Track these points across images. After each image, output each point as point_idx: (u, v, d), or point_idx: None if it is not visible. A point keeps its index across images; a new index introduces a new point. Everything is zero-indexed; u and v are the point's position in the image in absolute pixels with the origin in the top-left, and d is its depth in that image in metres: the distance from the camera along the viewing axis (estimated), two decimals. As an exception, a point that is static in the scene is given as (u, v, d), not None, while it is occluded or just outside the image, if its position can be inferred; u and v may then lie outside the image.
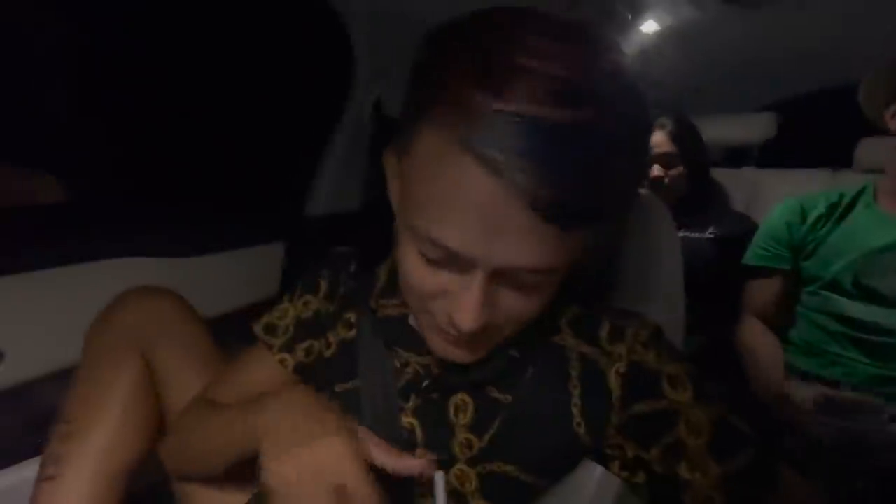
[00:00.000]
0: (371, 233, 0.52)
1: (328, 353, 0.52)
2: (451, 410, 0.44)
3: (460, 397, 0.44)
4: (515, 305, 0.36)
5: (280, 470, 0.34)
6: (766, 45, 1.44)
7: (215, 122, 0.95)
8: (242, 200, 0.99)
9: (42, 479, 0.52)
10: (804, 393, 0.83)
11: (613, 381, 0.42)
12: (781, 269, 0.98)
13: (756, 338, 0.98)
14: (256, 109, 0.99)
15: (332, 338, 0.52)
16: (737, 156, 1.49)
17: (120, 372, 0.55)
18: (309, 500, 0.33)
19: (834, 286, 0.89)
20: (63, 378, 0.57)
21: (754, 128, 1.42)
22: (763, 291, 1.01)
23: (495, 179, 0.29)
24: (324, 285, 0.54)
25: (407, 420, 0.45)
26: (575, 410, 0.42)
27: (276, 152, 1.04)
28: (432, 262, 0.35)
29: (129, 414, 0.55)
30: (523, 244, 0.31)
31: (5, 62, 0.72)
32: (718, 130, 1.47)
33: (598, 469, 0.43)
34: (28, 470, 0.54)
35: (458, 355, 0.40)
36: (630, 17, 1.32)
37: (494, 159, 0.28)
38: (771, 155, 1.43)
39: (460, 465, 0.43)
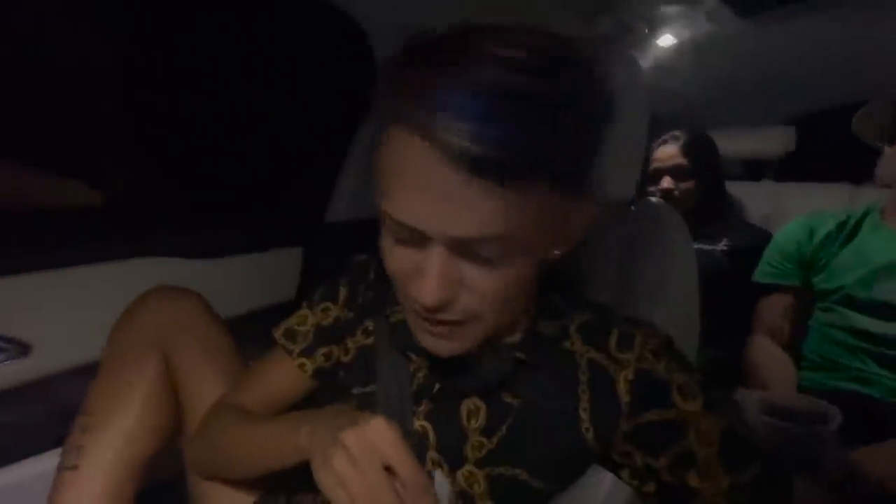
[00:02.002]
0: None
1: (347, 359, 0.53)
2: (464, 415, 0.45)
3: (472, 402, 0.45)
4: (480, 281, 0.36)
5: (332, 462, 0.34)
6: (786, 60, 1.43)
7: (240, 130, 0.98)
8: (264, 205, 1.02)
9: (63, 468, 0.53)
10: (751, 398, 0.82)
11: (622, 388, 0.42)
12: (791, 286, 0.99)
13: (765, 355, 0.97)
14: (281, 118, 1.02)
15: (350, 344, 0.53)
16: (756, 169, 1.48)
17: (140, 368, 0.57)
18: (365, 478, 0.33)
19: (847, 301, 0.89)
20: (86, 372, 0.59)
21: (773, 141, 1.41)
22: (772, 308, 1.01)
23: (428, 145, 0.31)
24: (343, 292, 0.55)
25: (419, 423, 0.46)
26: (584, 415, 0.42)
27: (298, 160, 1.07)
28: (400, 243, 0.36)
29: (147, 409, 0.56)
30: (465, 210, 0.32)
31: (32, 67, 0.76)
32: (737, 144, 1.46)
33: (609, 477, 0.43)
34: (50, 460, 0.55)
35: (443, 347, 0.40)
36: (647, 31, 1.33)
37: (423, 124, 0.30)
38: (790, 169, 1.41)
39: (469, 467, 0.44)
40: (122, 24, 0.85)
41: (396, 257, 0.37)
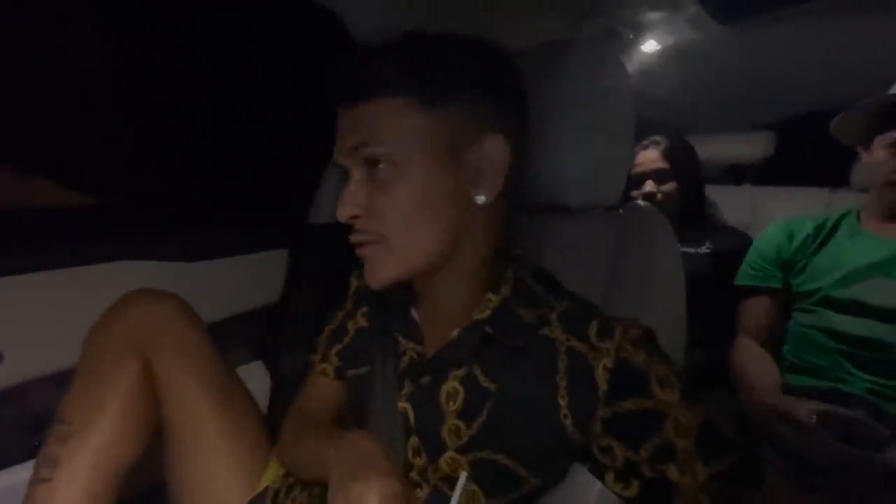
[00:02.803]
0: None
1: (346, 341, 0.58)
2: (443, 397, 0.46)
3: (451, 385, 0.46)
4: (379, 202, 0.44)
5: (335, 498, 0.38)
6: (765, 66, 1.47)
7: (224, 131, 0.97)
8: (247, 207, 1.00)
9: (36, 480, 0.51)
10: (805, 407, 0.83)
11: (600, 376, 0.43)
12: (772, 288, 1.01)
13: (749, 355, 0.99)
14: (265, 120, 1.01)
15: (350, 326, 0.58)
16: (737, 174, 1.51)
17: (119, 374, 0.55)
18: None
19: (825, 302, 0.91)
20: (61, 380, 0.57)
21: (753, 146, 1.45)
22: (755, 310, 1.03)
23: (343, 108, 0.45)
24: (353, 284, 0.62)
25: (402, 405, 0.48)
26: (561, 402, 0.43)
27: (282, 162, 1.06)
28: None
29: (127, 416, 0.54)
30: (348, 125, 0.44)
31: (17, 64, 0.73)
32: (718, 148, 1.49)
33: (597, 485, 0.43)
34: (23, 472, 0.53)
35: (369, 271, 0.46)
36: (632, 36, 1.35)
37: (343, 96, 0.45)
38: (769, 173, 1.45)
39: (451, 454, 0.44)
40: (116, 25, 0.83)
41: None
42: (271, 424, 0.64)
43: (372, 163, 0.43)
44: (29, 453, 0.63)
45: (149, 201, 0.89)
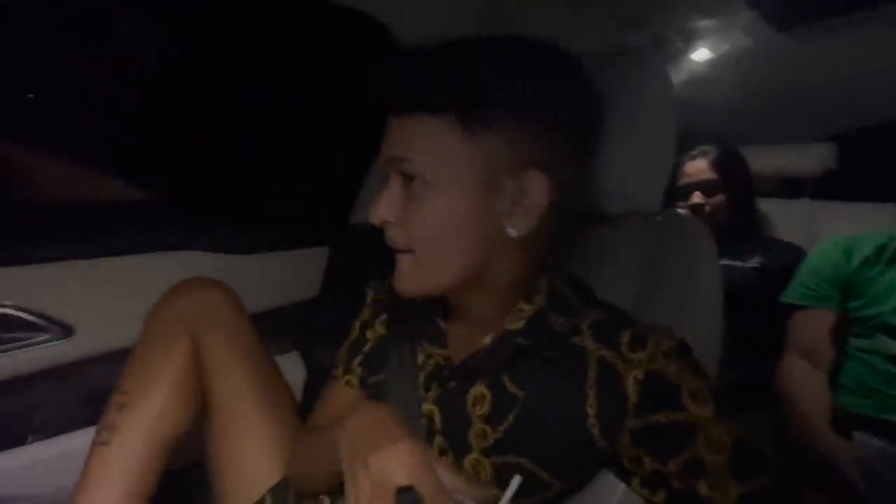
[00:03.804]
0: None
1: (367, 350, 0.57)
2: (470, 402, 0.46)
3: (479, 390, 0.46)
4: (411, 213, 0.44)
5: (354, 473, 0.38)
6: (826, 74, 1.39)
7: (275, 133, 1.03)
8: (293, 206, 1.06)
9: (97, 443, 0.57)
10: (851, 455, 0.77)
11: (631, 387, 0.42)
12: (827, 309, 0.94)
13: (800, 377, 0.93)
14: (313, 123, 1.06)
15: (369, 334, 0.57)
16: (794, 187, 1.43)
17: (171, 353, 0.60)
18: (376, 498, 0.36)
19: (885, 328, 0.85)
20: (123, 356, 0.62)
21: (812, 158, 1.36)
22: (808, 329, 0.96)
23: (393, 113, 0.44)
24: (369, 294, 0.62)
25: (427, 407, 0.48)
26: (590, 411, 0.42)
27: (327, 163, 1.10)
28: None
29: (177, 391, 0.59)
30: (390, 137, 0.44)
31: (68, 61, 0.80)
32: (774, 160, 1.42)
33: (620, 487, 0.43)
34: (86, 436, 0.59)
35: (400, 279, 0.46)
36: (681, 45, 1.31)
37: (395, 101, 0.44)
38: (830, 187, 1.36)
39: (475, 455, 0.44)
40: (171, 30, 0.91)
41: None
42: (303, 413, 0.68)
43: (407, 177, 0.43)
44: (92, 419, 0.69)
45: (204, 198, 0.96)
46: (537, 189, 0.43)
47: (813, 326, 0.96)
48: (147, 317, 0.64)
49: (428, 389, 0.49)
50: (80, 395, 0.73)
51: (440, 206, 0.42)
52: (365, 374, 0.56)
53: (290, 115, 1.02)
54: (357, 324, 0.60)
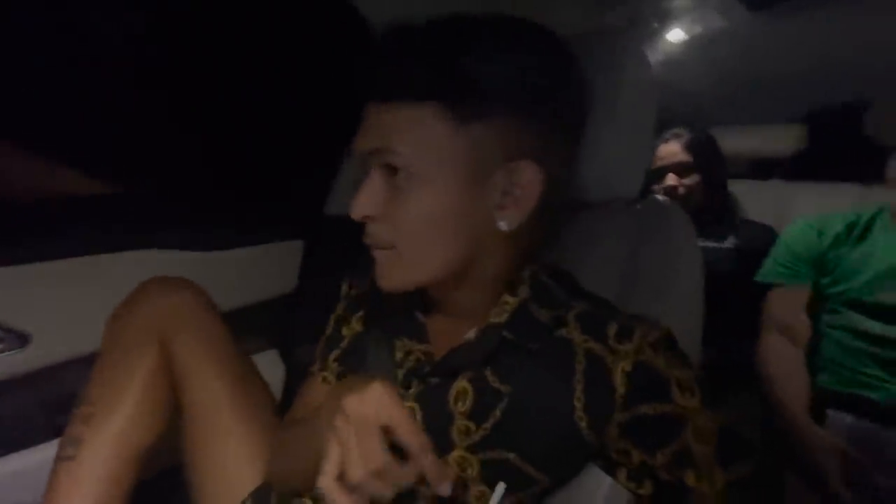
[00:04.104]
0: None
1: (344, 346, 0.56)
2: (452, 397, 0.45)
3: (461, 385, 0.45)
4: (394, 208, 0.42)
5: (335, 427, 0.35)
6: (797, 55, 1.41)
7: (243, 124, 0.98)
8: (265, 198, 1.02)
9: (61, 458, 0.53)
10: (830, 446, 0.80)
11: (618, 379, 0.41)
12: (801, 286, 0.97)
13: (779, 355, 0.96)
14: (283, 114, 1.02)
15: (345, 331, 0.56)
16: (765, 168, 1.46)
17: (139, 358, 0.57)
18: (362, 442, 0.34)
19: (855, 304, 0.88)
20: (85, 363, 0.59)
21: (783, 139, 1.39)
22: (783, 307, 0.99)
23: (374, 101, 0.42)
24: (343, 289, 0.60)
25: (408, 405, 0.46)
26: (577, 404, 0.42)
27: (300, 154, 1.07)
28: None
29: (146, 399, 0.56)
30: (371, 128, 0.42)
31: (47, 59, 0.75)
32: (746, 141, 1.44)
33: (607, 481, 0.43)
34: (48, 451, 0.56)
35: (380, 273, 0.45)
36: (657, 25, 1.31)
37: (377, 88, 0.42)
38: (800, 167, 1.39)
39: (461, 452, 0.44)
40: (137, 22, 0.85)
41: None
42: (283, 413, 0.66)
43: (391, 169, 0.41)
44: (55, 432, 0.66)
45: (168, 192, 0.92)
46: (530, 181, 0.41)
47: (789, 304, 0.98)
48: (110, 321, 0.60)
49: (408, 387, 0.48)
50: (41, 406, 0.69)
51: (426, 199, 0.40)
52: (342, 371, 0.55)
53: (261, 105, 0.98)
54: (332, 318, 0.59)
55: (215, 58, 0.90)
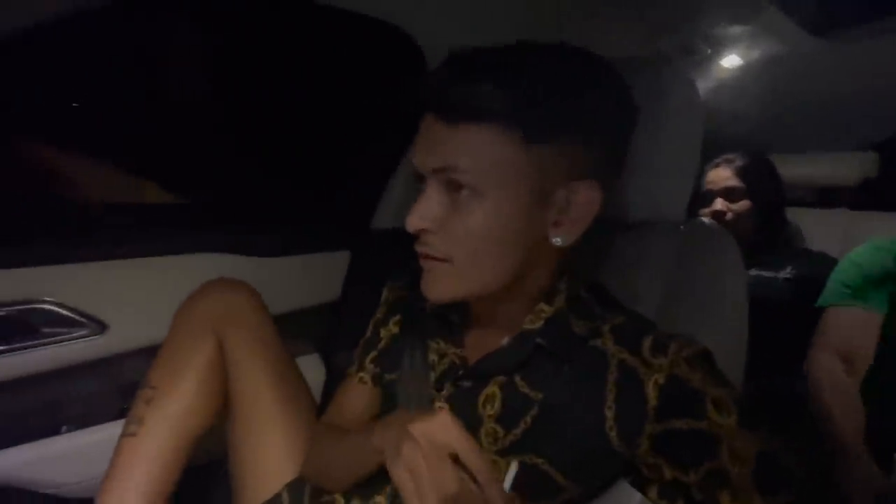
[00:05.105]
0: None
1: (381, 346, 0.58)
2: (481, 402, 0.46)
3: (490, 390, 0.46)
4: (452, 222, 0.42)
5: (402, 452, 0.36)
6: (865, 80, 1.33)
7: (301, 139, 1.06)
8: (317, 212, 1.08)
9: (125, 434, 0.59)
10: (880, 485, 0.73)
11: (651, 392, 0.41)
12: (870, 309, 0.89)
13: (834, 378, 0.87)
14: (337, 130, 1.08)
15: (383, 333, 0.58)
16: (832, 196, 1.37)
17: (197, 350, 0.62)
18: (432, 466, 0.34)
19: None
20: (152, 352, 0.65)
21: (851, 167, 1.31)
22: (846, 329, 0.90)
23: (434, 117, 0.42)
24: (385, 294, 0.63)
25: (439, 405, 0.48)
26: (608, 413, 0.42)
27: (350, 171, 1.13)
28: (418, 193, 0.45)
29: (201, 387, 0.61)
30: (436, 145, 0.42)
31: (116, 70, 0.84)
32: (810, 169, 1.37)
33: (637, 496, 0.42)
34: (115, 429, 0.61)
35: (428, 286, 0.45)
36: (710, 51, 1.29)
37: (438, 105, 0.42)
38: (869, 196, 1.30)
39: (490, 455, 0.44)
40: (206, 43, 0.95)
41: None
42: (322, 413, 0.69)
43: (453, 185, 0.42)
44: (122, 412, 0.72)
45: (231, 203, 1.00)
46: (588, 200, 0.43)
47: (853, 325, 0.89)
48: (175, 315, 0.66)
49: (440, 389, 0.49)
50: (112, 388, 0.77)
51: (488, 216, 0.41)
52: (378, 372, 0.57)
53: (316, 122, 1.05)
54: (371, 322, 0.61)
55: (275, 80, 0.98)
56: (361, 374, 0.58)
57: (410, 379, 0.51)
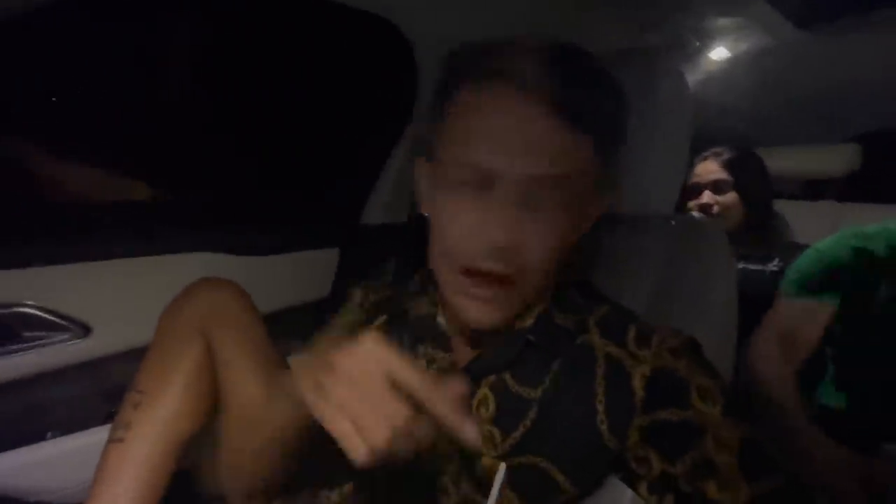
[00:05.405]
0: (414, 242, 0.56)
1: None
2: (474, 405, 0.45)
3: (483, 392, 0.45)
4: (534, 234, 0.39)
5: (330, 390, 0.30)
6: (850, 73, 1.35)
7: (288, 136, 1.04)
8: (305, 208, 1.07)
9: (112, 440, 0.58)
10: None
11: (637, 383, 0.41)
12: (821, 302, 0.90)
13: (771, 365, 0.89)
14: (326, 127, 1.07)
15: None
16: (818, 188, 1.39)
17: (185, 351, 0.61)
18: (372, 397, 0.29)
19: None
20: (139, 354, 0.64)
21: (837, 159, 1.33)
22: (792, 322, 0.91)
23: (516, 92, 0.37)
24: (358, 295, 0.59)
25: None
26: (599, 407, 0.42)
27: (338, 169, 1.12)
28: (460, 198, 0.40)
29: (190, 388, 0.60)
30: (537, 148, 0.37)
31: (91, 67, 0.82)
32: (797, 162, 1.38)
33: (628, 493, 0.42)
34: (102, 434, 0.60)
35: (484, 314, 0.42)
36: (698, 44, 1.29)
37: (525, 77, 0.37)
38: (855, 188, 1.32)
39: (489, 459, 0.44)
40: (197, 40, 0.93)
41: (456, 214, 0.40)
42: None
43: (539, 194, 0.38)
44: (108, 417, 0.71)
45: (217, 201, 0.98)
46: (600, 201, 0.43)
47: (800, 317, 0.91)
48: (161, 317, 0.65)
49: None
50: (98, 392, 0.75)
51: (565, 231, 0.40)
52: None
53: (304, 119, 1.04)
54: (340, 322, 0.57)
55: (263, 77, 0.97)
56: None
57: None
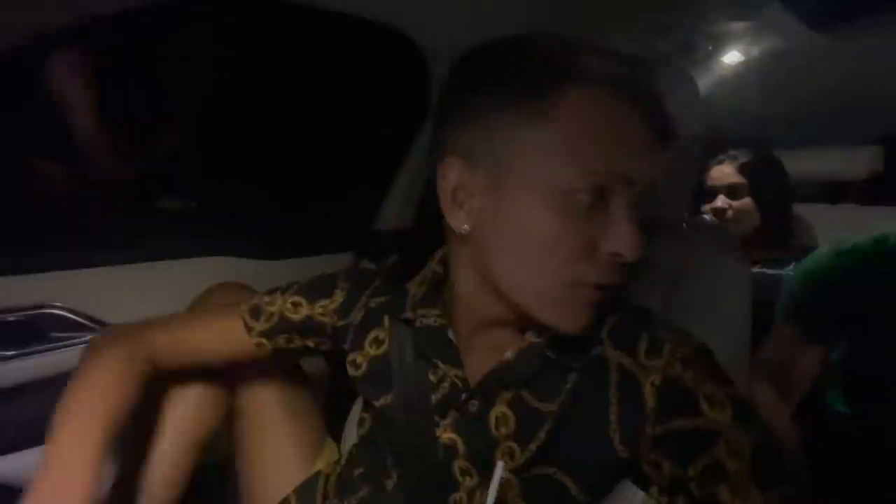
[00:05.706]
0: (423, 246, 0.56)
1: (359, 374, 0.53)
2: (493, 424, 0.44)
3: (500, 410, 0.45)
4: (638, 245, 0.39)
5: None
6: (866, 75, 1.33)
7: (303, 142, 1.06)
8: (320, 213, 1.09)
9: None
10: None
11: (648, 394, 0.41)
12: (812, 336, 0.84)
13: (767, 409, 0.83)
14: (340, 133, 1.09)
15: (360, 359, 0.53)
16: (838, 192, 1.36)
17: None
18: None
19: None
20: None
21: (857, 162, 1.30)
22: (785, 356, 0.85)
23: (637, 109, 0.38)
24: (339, 297, 0.56)
25: (447, 436, 0.46)
26: (612, 418, 0.42)
27: (354, 171, 1.13)
28: (576, 215, 0.38)
29: (207, 389, 0.61)
30: (648, 157, 0.38)
31: (123, 75, 0.86)
32: (817, 164, 1.36)
33: (640, 495, 0.42)
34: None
35: (587, 318, 0.41)
36: (710, 48, 1.28)
37: (637, 95, 0.38)
38: (876, 191, 1.29)
39: (504, 474, 0.43)
40: (216, 52, 0.96)
41: (571, 233, 0.38)
42: (326, 414, 0.69)
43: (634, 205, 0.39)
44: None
45: (236, 206, 1.00)
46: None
47: (793, 349, 0.84)
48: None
49: (444, 415, 0.47)
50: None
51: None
52: (371, 395, 0.52)
53: (318, 125, 1.06)
54: (305, 311, 0.55)
55: (277, 84, 0.99)
56: (262, 341, 0.55)
57: (408, 406, 0.48)
